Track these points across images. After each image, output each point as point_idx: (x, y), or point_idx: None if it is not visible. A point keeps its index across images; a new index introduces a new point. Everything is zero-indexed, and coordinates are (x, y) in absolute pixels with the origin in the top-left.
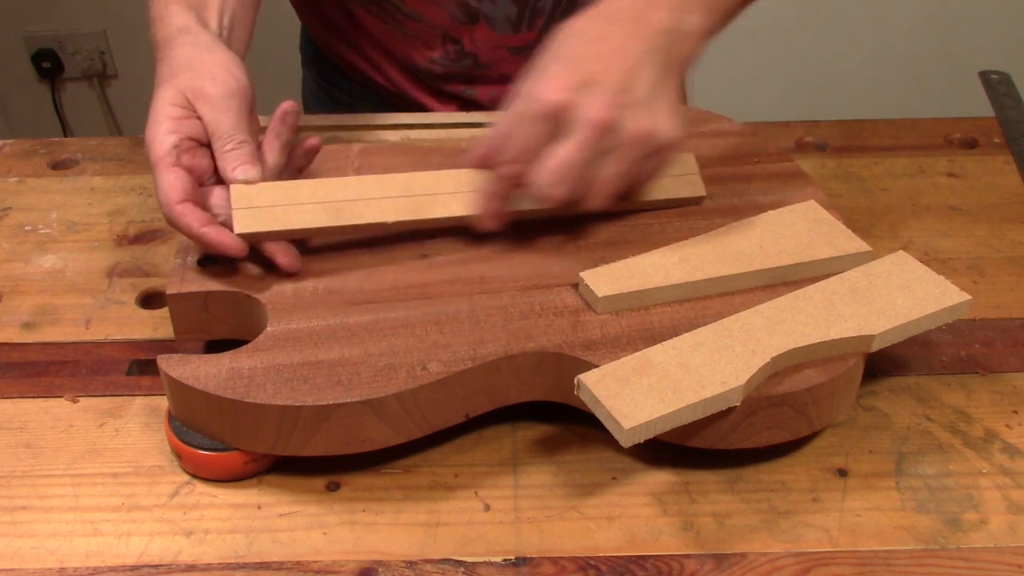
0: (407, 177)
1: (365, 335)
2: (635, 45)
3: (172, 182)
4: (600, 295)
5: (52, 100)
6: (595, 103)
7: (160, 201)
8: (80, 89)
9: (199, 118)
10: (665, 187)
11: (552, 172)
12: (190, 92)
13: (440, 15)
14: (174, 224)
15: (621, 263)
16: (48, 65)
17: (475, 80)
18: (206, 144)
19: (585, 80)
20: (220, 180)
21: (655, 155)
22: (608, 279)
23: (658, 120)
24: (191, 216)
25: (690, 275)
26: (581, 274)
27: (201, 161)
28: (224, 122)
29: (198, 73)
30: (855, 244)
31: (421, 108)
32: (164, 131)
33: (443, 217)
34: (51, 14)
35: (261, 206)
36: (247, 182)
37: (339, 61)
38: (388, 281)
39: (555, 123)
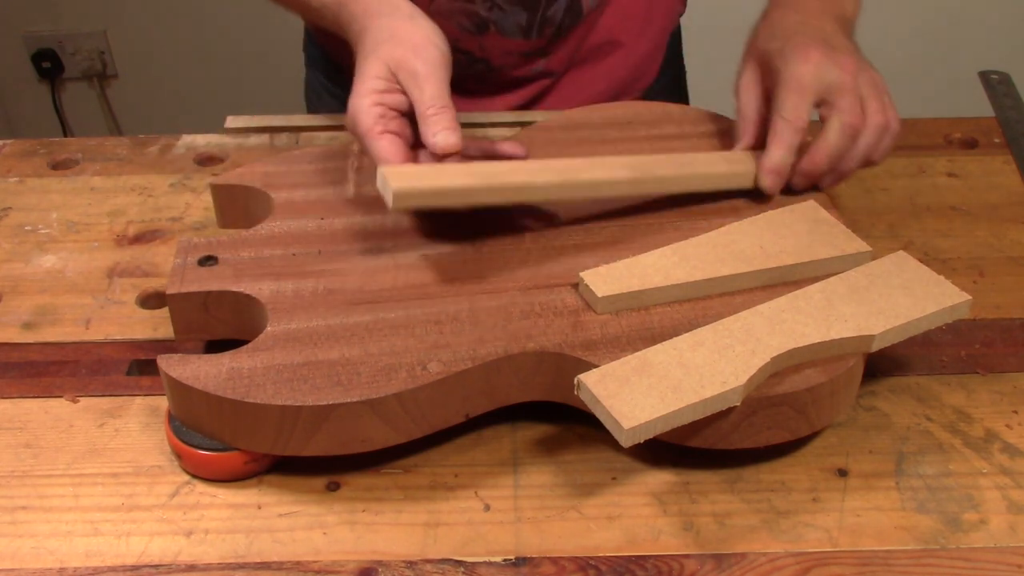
0: (544, 161)
1: (365, 335)
2: (828, 27)
3: (387, 147)
4: (600, 295)
5: (52, 100)
6: (843, 56)
7: (380, 163)
8: (80, 89)
9: (401, 91)
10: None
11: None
12: (393, 64)
13: (449, 27)
14: None
15: (621, 263)
16: (48, 65)
17: (487, 81)
18: (407, 115)
19: (826, 42)
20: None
21: (883, 95)
22: (608, 279)
23: (874, 72)
24: None
25: (690, 275)
26: (581, 274)
27: (404, 130)
28: (427, 89)
29: (401, 44)
30: (855, 244)
31: None
32: (369, 103)
33: (589, 180)
34: (51, 14)
35: (414, 175)
36: (448, 147)
37: (345, 64)
38: (388, 281)
39: (822, 73)
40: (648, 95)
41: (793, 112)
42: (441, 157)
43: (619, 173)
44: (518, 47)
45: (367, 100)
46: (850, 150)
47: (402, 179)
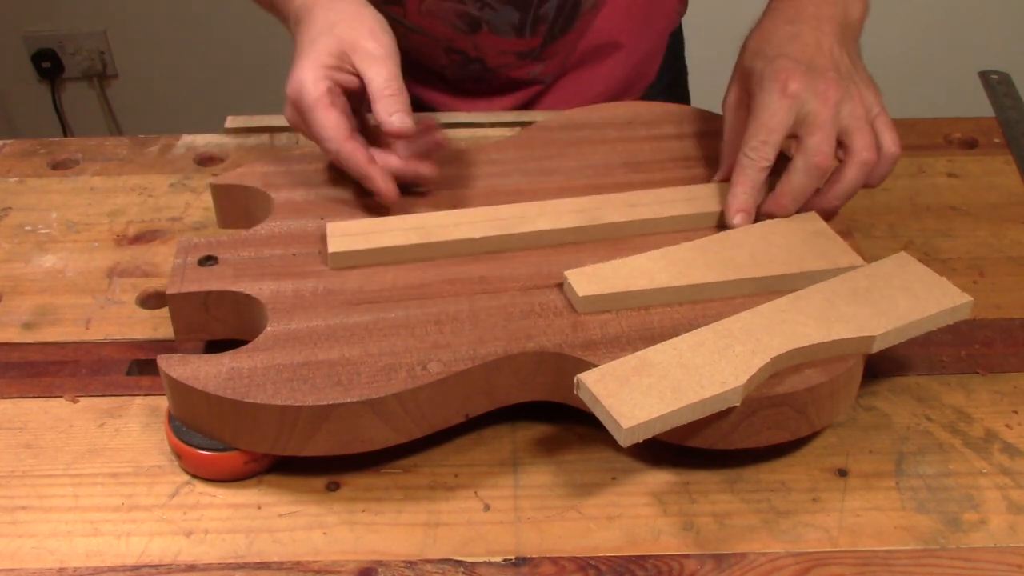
0: (494, 208)
1: (365, 335)
2: (824, 39)
3: (336, 120)
4: (581, 295)
5: (52, 100)
6: (826, 83)
7: (325, 137)
8: (80, 89)
9: (352, 72)
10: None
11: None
12: (348, 45)
13: (442, 27)
14: (342, 159)
15: (608, 264)
16: (48, 65)
17: (485, 82)
18: (352, 97)
19: (810, 65)
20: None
21: (878, 119)
22: (592, 279)
23: (866, 94)
24: (360, 153)
25: (675, 280)
26: (566, 273)
27: (348, 110)
28: (383, 71)
29: (355, 27)
30: (849, 258)
31: (432, 108)
32: (317, 76)
33: (531, 232)
34: (51, 14)
35: (355, 233)
36: (402, 129)
37: None
38: (388, 281)
39: (798, 105)
40: (648, 96)
41: (758, 150)
42: (390, 138)
43: (564, 221)
44: (512, 46)
45: (317, 72)
46: (829, 189)
47: (342, 241)
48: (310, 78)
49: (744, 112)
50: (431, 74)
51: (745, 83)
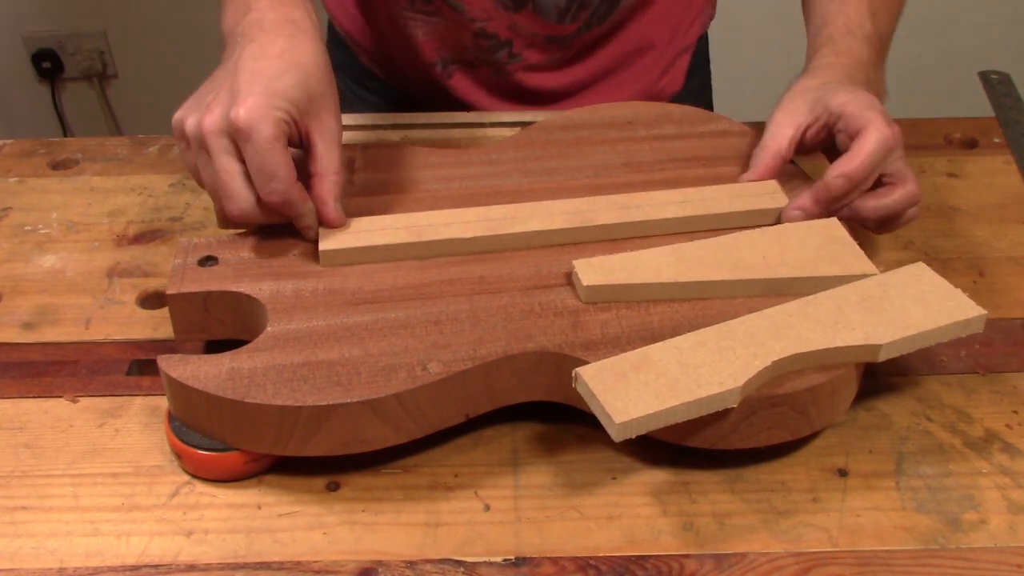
0: (487, 209)
1: (365, 335)
2: (882, 89)
3: (290, 162)
4: (585, 283)
5: (52, 100)
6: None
7: (276, 176)
8: (80, 89)
9: (297, 134)
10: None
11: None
12: (309, 109)
13: (485, 2)
14: (288, 200)
15: (616, 256)
16: (48, 65)
17: (503, 74)
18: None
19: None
20: None
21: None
22: (599, 270)
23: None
24: (304, 196)
25: (681, 276)
26: (574, 262)
27: None
28: (336, 151)
29: (317, 98)
30: (862, 265)
31: (444, 99)
32: (277, 118)
33: (522, 232)
34: (51, 14)
35: (346, 231)
36: (336, 219)
37: (369, 66)
38: (388, 281)
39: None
40: (675, 101)
41: (843, 187)
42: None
43: (556, 223)
44: (548, 30)
45: (276, 114)
46: (875, 199)
47: (333, 239)
48: (270, 117)
49: (802, 131)
50: (445, 62)
51: (825, 114)
